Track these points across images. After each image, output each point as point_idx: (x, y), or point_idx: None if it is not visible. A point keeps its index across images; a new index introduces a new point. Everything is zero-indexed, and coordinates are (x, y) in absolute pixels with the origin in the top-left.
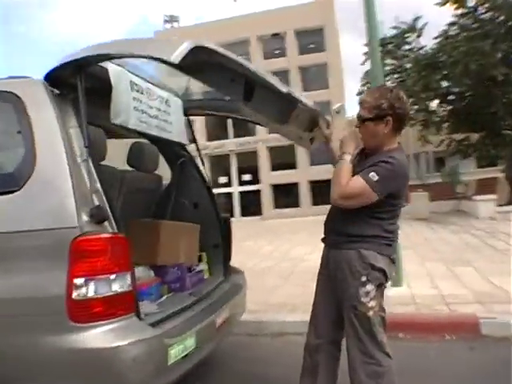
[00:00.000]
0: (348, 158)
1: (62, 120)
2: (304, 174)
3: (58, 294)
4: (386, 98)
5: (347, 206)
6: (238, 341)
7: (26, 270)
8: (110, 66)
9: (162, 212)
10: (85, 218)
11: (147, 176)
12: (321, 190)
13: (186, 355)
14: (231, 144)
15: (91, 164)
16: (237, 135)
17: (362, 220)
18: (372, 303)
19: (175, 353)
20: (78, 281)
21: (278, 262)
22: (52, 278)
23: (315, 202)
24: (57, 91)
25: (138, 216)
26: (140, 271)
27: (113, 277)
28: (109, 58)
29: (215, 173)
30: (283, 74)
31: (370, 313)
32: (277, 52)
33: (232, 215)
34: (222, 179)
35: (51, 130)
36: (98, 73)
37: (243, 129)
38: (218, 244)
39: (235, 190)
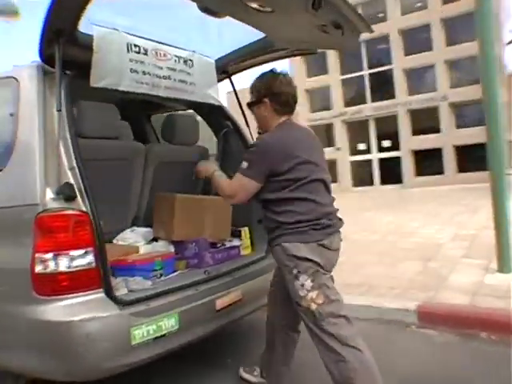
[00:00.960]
0: (216, 173)
1: (47, 100)
2: (449, 138)
3: (24, 268)
4: (263, 81)
5: (240, 202)
6: None
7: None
8: (96, 28)
9: (209, 185)
10: (50, 195)
11: (186, 149)
12: (468, 156)
13: (163, 335)
14: (369, 109)
15: (70, 142)
16: (375, 99)
17: (270, 210)
18: (311, 295)
19: (141, 333)
20: (40, 256)
21: (385, 235)
22: (20, 252)
23: (461, 169)
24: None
25: (181, 189)
26: (159, 246)
27: (74, 253)
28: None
29: (354, 139)
30: (424, 29)
31: (313, 306)
32: (417, 5)
33: (372, 183)
34: (361, 146)
35: (32, 111)
36: None
37: (382, 92)
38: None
39: (374, 157)
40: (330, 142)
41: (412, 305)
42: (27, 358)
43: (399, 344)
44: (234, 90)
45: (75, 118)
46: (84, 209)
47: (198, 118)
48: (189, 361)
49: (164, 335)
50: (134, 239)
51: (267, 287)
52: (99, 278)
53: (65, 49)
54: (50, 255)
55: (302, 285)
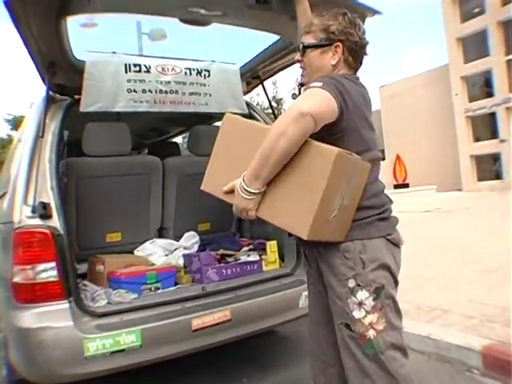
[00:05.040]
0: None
1: (44, 125)
2: None
3: (7, 277)
4: (338, 20)
5: (311, 111)
6: None
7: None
8: (88, 55)
9: None
10: (27, 213)
11: None
12: None
13: (122, 350)
14: None
15: (53, 164)
16: None
17: None
18: (371, 318)
19: (95, 346)
20: (14, 267)
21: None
22: (8, 263)
23: None
24: (64, 98)
25: (212, 202)
26: (172, 258)
27: (38, 267)
28: None
29: None
30: None
31: (371, 333)
32: None
33: None
34: None
35: (28, 137)
36: None
37: None
38: None
39: None
40: (492, 133)
41: (477, 344)
42: (16, 356)
43: None
44: (267, 95)
45: (75, 140)
46: (55, 226)
47: None
48: (202, 376)
49: (124, 350)
50: (152, 250)
51: (277, 307)
52: (63, 290)
53: (68, 76)
54: (19, 267)
55: (360, 303)
